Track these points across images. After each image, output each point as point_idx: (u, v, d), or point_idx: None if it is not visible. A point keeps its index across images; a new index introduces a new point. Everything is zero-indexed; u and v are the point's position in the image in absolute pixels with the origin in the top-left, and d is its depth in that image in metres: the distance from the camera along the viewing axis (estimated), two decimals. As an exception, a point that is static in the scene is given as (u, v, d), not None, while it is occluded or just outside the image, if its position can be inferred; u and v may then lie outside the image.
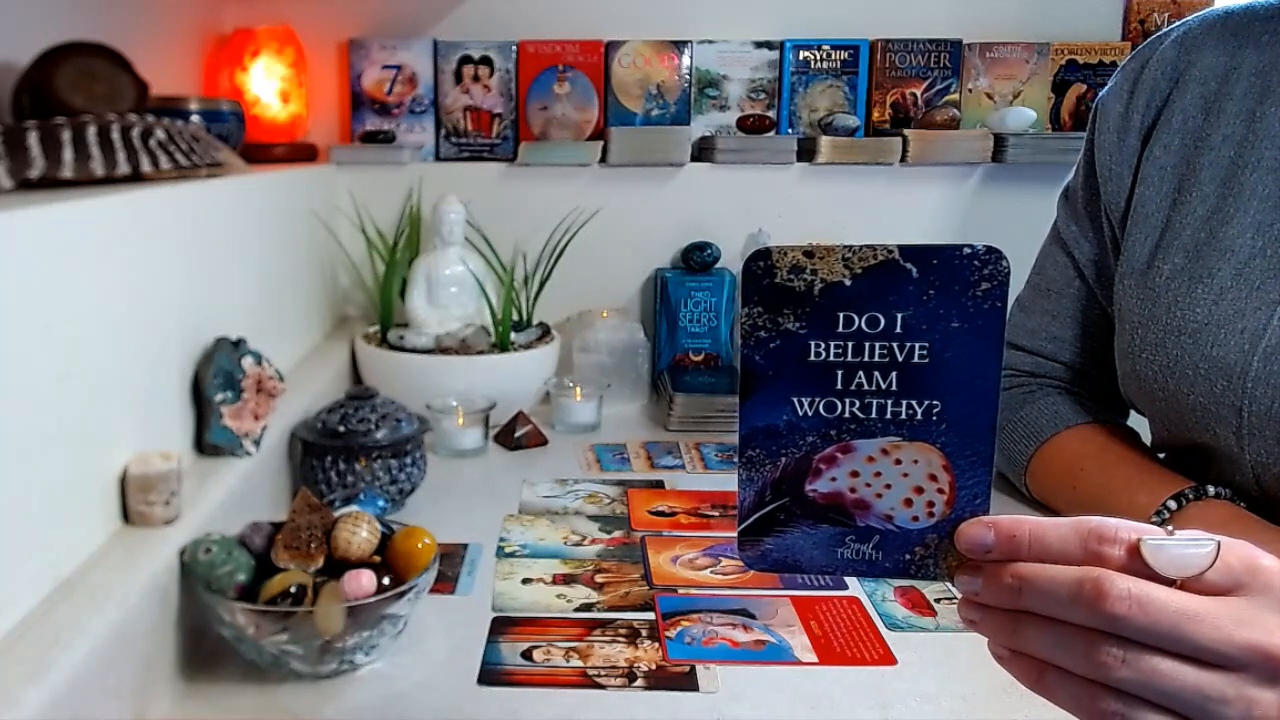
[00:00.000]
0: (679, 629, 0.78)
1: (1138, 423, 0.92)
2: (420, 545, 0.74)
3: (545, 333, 1.40)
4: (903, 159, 1.48)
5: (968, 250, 0.45)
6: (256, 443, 0.87)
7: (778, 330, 0.48)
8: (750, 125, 1.50)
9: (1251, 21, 0.83)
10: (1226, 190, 0.79)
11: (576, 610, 0.82)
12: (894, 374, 0.47)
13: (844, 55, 1.56)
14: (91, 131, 0.79)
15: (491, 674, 0.72)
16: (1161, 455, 0.88)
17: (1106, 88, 0.90)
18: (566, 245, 1.43)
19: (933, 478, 0.48)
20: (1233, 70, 0.82)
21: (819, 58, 1.56)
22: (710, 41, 1.55)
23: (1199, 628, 0.42)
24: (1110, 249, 0.90)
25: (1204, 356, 0.76)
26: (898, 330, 0.47)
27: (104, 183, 0.78)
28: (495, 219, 1.46)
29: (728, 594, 0.84)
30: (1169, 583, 0.43)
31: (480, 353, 1.29)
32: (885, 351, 0.47)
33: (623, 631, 0.78)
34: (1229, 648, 0.42)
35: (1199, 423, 0.78)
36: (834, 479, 0.49)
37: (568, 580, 0.87)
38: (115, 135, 0.80)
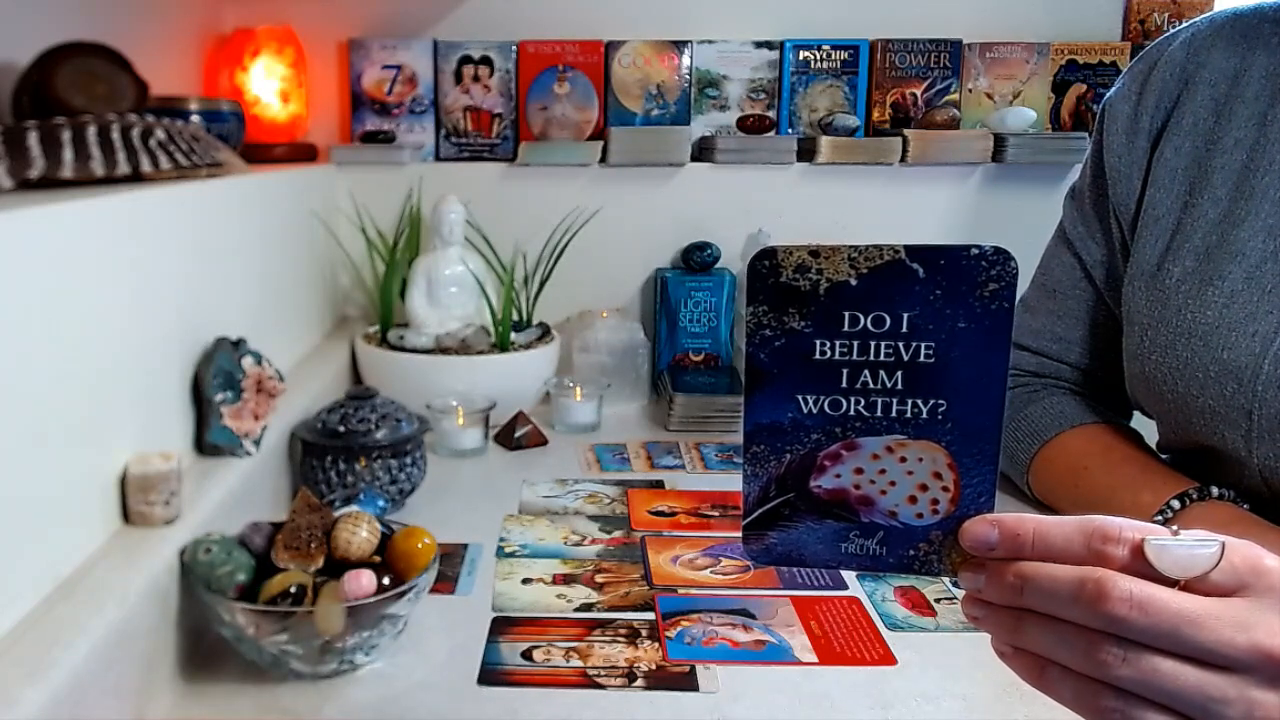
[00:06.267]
0: (679, 629, 0.78)
1: (1143, 425, 0.92)
2: (420, 545, 0.74)
3: (545, 333, 1.40)
4: (903, 159, 1.48)
5: (975, 251, 0.45)
6: (256, 443, 0.87)
7: (783, 329, 0.48)
8: (750, 125, 1.50)
9: (1260, 24, 0.83)
10: (1238, 193, 0.79)
11: (576, 610, 0.81)
12: (900, 373, 0.47)
13: (844, 55, 1.56)
14: (91, 131, 0.78)
15: (491, 674, 0.72)
16: (1166, 457, 0.88)
17: (1114, 89, 0.90)
18: (566, 245, 1.43)
19: (937, 475, 0.48)
20: (1243, 73, 0.82)
21: (819, 58, 1.56)
22: (710, 41, 1.55)
23: (1199, 629, 0.42)
24: (1119, 250, 0.90)
25: (1214, 359, 0.76)
26: (904, 330, 0.47)
27: (104, 183, 0.78)
28: (495, 219, 1.46)
29: (728, 594, 0.84)
30: (1172, 583, 0.43)
31: (480, 353, 1.29)
32: (891, 351, 0.47)
33: (623, 631, 0.78)
34: (1230, 649, 0.42)
35: (1207, 425, 0.78)
36: (839, 475, 0.49)
37: (568, 580, 0.87)
38: (115, 135, 0.80)
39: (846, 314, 0.47)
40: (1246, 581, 0.43)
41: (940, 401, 0.47)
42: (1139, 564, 0.43)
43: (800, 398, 0.48)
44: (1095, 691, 0.44)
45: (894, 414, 0.48)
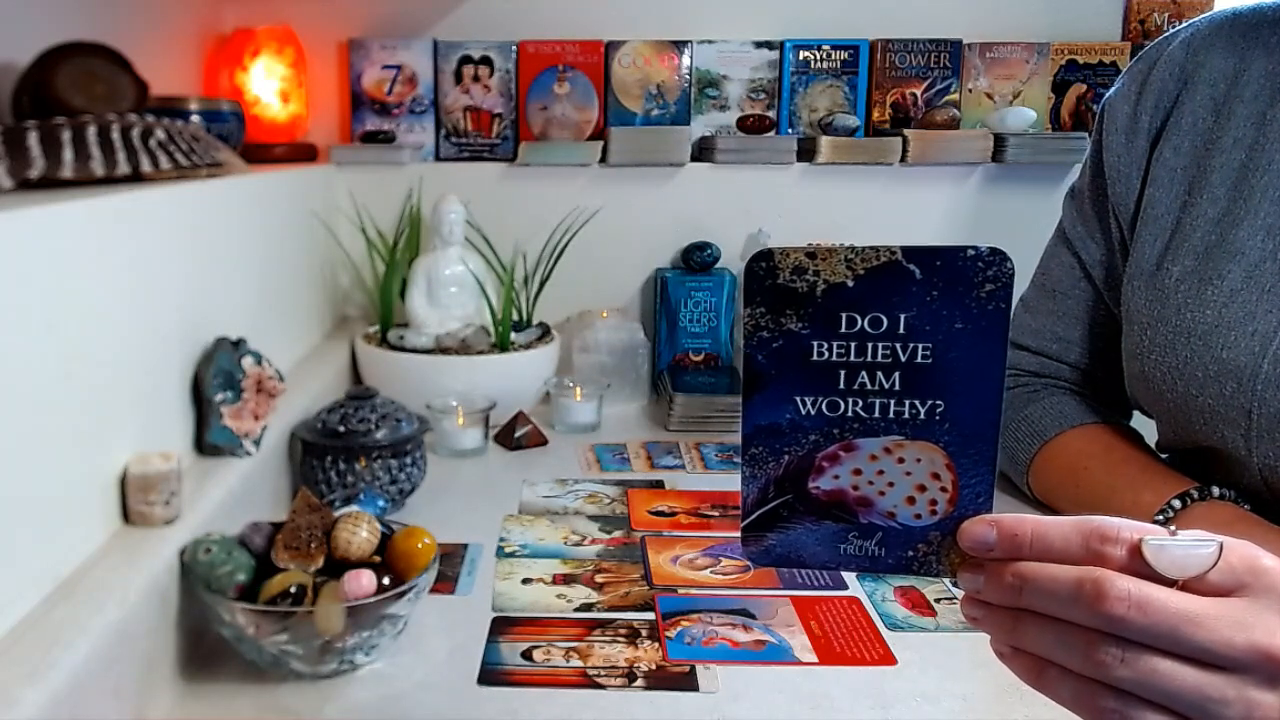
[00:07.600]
0: (679, 629, 0.78)
1: (1143, 424, 0.92)
2: (420, 545, 0.74)
3: (545, 333, 1.40)
4: (903, 159, 1.48)
5: (971, 252, 0.46)
6: (256, 443, 0.87)
7: (780, 330, 0.48)
8: (750, 125, 1.50)
9: (1259, 24, 0.83)
10: (1237, 193, 0.79)
11: (576, 610, 0.82)
12: (897, 374, 0.47)
13: (844, 55, 1.56)
14: (91, 131, 0.78)
15: (491, 674, 0.72)
16: (1165, 456, 0.88)
17: (1113, 89, 0.90)
18: (566, 245, 1.43)
19: (935, 476, 0.48)
20: (1242, 73, 0.82)
21: (819, 58, 1.56)
22: (710, 41, 1.55)
23: (1197, 630, 0.42)
24: (1118, 250, 0.90)
25: (1214, 359, 0.76)
26: (900, 331, 0.47)
27: (104, 183, 0.78)
28: (495, 219, 1.46)
29: (728, 594, 0.84)
30: (1170, 583, 0.43)
31: (480, 353, 1.29)
32: (888, 352, 0.47)
33: (623, 631, 0.78)
34: (1229, 649, 0.42)
35: (1207, 425, 0.78)
36: (837, 476, 0.49)
37: (568, 580, 0.87)
38: (115, 135, 0.80)
39: (844, 315, 0.47)
40: (1244, 581, 0.43)
41: (938, 402, 0.47)
42: (1137, 564, 0.43)
43: (798, 399, 0.49)
44: (1094, 692, 0.44)
45: (891, 415, 0.48)
